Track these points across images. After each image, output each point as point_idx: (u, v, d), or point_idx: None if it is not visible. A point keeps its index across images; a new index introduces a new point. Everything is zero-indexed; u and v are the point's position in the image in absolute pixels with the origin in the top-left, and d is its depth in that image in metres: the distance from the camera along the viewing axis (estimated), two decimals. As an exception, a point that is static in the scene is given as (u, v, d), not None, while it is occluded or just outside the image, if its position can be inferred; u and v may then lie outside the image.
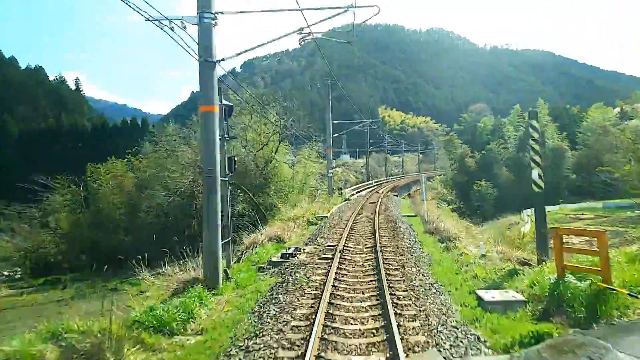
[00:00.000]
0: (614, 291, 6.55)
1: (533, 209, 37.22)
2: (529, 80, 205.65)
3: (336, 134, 35.15)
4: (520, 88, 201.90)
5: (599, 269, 6.97)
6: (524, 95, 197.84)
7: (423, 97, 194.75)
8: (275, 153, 35.80)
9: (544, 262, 9.66)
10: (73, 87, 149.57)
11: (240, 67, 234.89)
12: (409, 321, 6.96)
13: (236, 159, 13.49)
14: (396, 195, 38.74)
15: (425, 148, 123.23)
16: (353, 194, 42.57)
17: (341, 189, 37.17)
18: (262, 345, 6.21)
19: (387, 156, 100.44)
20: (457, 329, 6.62)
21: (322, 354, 5.79)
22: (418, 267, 11.03)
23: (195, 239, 21.17)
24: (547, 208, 43.60)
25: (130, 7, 7.90)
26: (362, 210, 25.02)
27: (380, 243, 13.63)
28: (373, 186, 55.14)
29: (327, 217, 22.87)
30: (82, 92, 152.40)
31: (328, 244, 14.04)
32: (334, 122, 35.56)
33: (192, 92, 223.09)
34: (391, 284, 9.14)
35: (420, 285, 9.22)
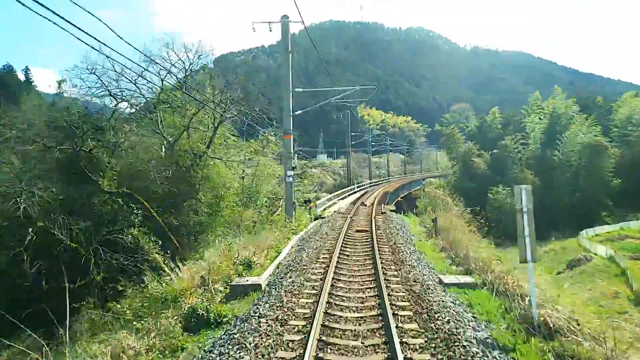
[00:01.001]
0: None
1: (592, 229, 23.04)
2: (511, 80, 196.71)
3: (300, 111, 21.54)
4: (502, 88, 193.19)
5: None
6: (507, 96, 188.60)
7: (404, 96, 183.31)
8: (208, 146, 22.17)
9: None
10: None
11: (212, 63, 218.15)
12: None
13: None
14: (394, 211, 25.23)
15: (411, 147, 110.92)
16: (329, 206, 28.93)
17: (309, 201, 23.37)
18: None
19: (369, 156, 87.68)
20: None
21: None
22: None
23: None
24: (602, 228, 30.08)
25: None
26: (345, 259, 11.29)
27: None
28: (356, 192, 41.72)
29: (260, 284, 9.14)
30: (32, 84, 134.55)
31: None
32: (298, 90, 21.92)
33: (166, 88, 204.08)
34: None
35: None
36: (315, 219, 22.75)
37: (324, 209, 26.57)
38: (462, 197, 40.36)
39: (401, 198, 48.03)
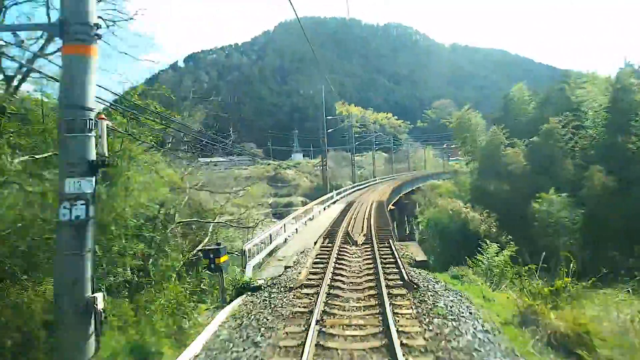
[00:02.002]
0: None
1: None
2: (492, 77, 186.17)
3: None
4: (484, 85, 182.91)
5: None
6: (489, 92, 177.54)
7: (383, 93, 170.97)
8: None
9: None
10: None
11: (183, 61, 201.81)
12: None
13: None
14: (424, 265, 11.05)
15: (398, 143, 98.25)
16: (286, 242, 14.66)
17: (217, 254, 8.93)
18: None
19: (352, 155, 74.71)
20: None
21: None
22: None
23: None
24: None
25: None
26: None
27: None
28: (336, 202, 27.62)
29: None
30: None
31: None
32: None
33: (132, 86, 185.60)
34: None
35: None
36: (239, 293, 8.69)
37: (271, 254, 12.40)
38: (485, 206, 26.82)
39: (392, 206, 34.23)
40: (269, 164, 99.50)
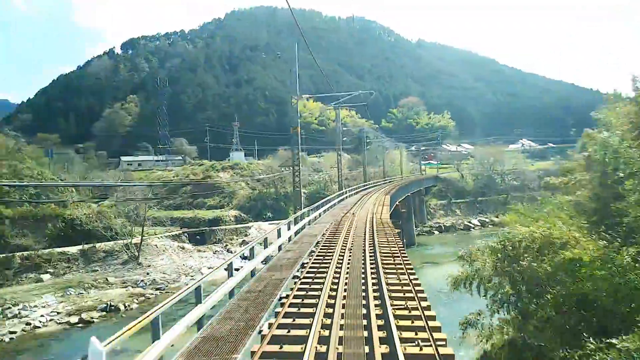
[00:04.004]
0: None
1: None
2: (461, 76, 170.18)
3: None
4: (452, 83, 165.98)
5: None
6: (457, 91, 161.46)
7: (345, 88, 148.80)
8: None
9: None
10: None
11: (121, 48, 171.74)
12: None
13: None
14: None
15: (371, 141, 76.39)
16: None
17: None
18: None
19: (302, 155, 52.87)
20: None
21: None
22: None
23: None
24: None
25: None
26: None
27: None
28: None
29: None
30: None
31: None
32: None
33: (61, 75, 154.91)
34: None
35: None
36: None
37: None
38: None
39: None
40: (200, 165, 74.92)
